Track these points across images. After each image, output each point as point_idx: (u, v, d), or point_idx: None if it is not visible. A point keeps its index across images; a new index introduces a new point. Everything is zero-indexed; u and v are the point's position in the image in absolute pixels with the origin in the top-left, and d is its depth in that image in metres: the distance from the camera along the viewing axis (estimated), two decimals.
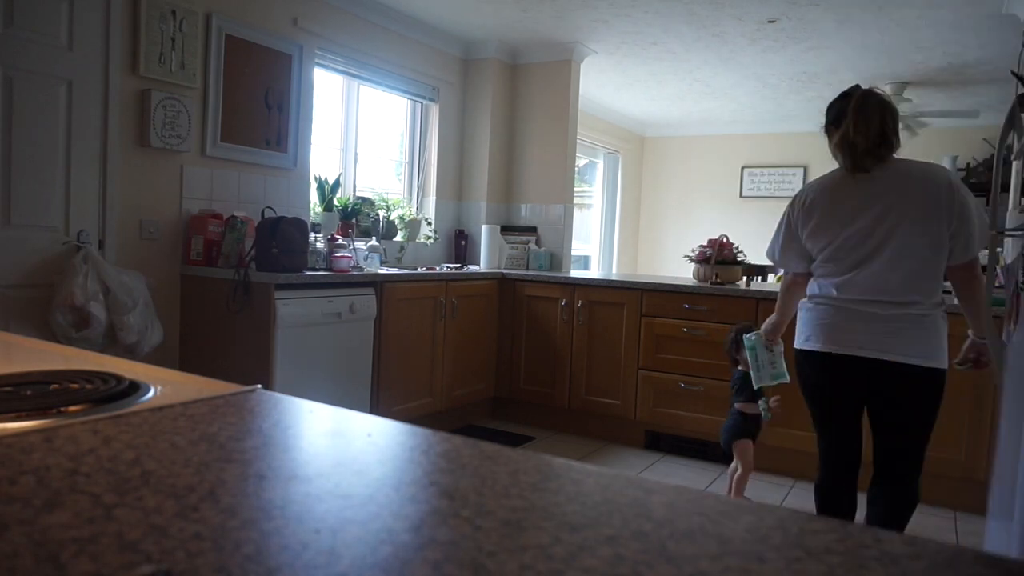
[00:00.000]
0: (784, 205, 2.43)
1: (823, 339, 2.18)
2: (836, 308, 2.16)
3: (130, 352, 2.89)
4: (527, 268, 4.88)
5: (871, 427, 2.23)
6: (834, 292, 2.17)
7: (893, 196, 2.09)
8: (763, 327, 2.61)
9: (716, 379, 3.79)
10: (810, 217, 2.21)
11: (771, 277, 5.76)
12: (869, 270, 2.11)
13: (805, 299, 2.31)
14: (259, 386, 0.90)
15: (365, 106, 4.56)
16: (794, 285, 2.39)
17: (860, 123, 2.07)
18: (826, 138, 2.23)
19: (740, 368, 3.03)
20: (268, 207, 3.37)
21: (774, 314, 2.54)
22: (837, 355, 2.15)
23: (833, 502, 2.28)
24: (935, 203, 2.05)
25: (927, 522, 3.16)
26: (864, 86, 2.18)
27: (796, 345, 2.29)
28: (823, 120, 2.26)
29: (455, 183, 5.10)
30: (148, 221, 3.24)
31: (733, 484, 3.08)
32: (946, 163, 6.52)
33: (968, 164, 6.56)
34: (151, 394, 0.87)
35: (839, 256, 2.15)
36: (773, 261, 2.43)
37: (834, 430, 2.27)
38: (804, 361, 2.26)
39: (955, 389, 3.26)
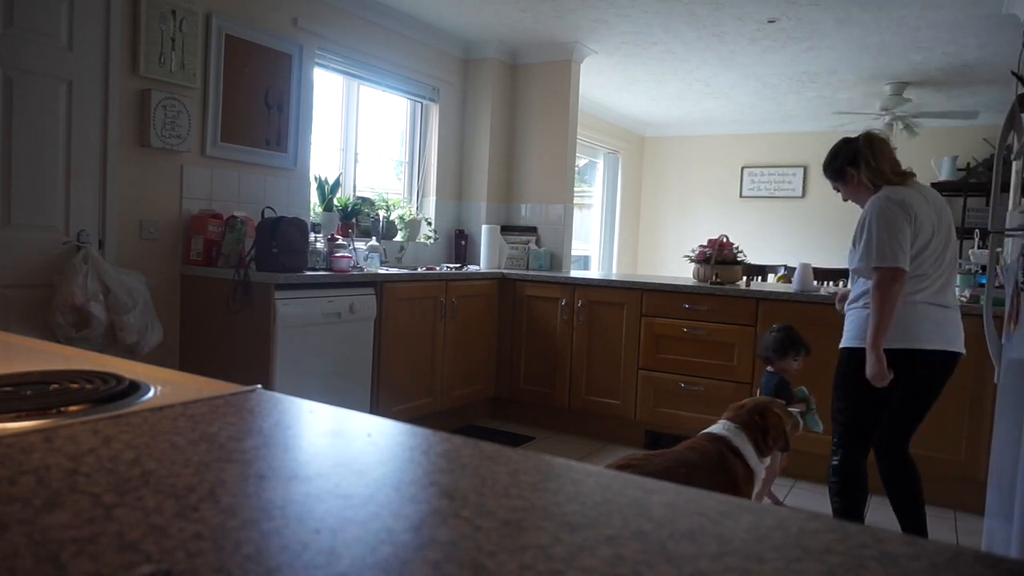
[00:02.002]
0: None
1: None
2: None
3: (130, 352, 2.89)
4: (527, 268, 4.88)
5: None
6: None
7: None
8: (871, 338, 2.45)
9: (716, 379, 3.79)
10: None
11: (771, 277, 5.76)
12: None
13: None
14: (259, 386, 0.90)
15: (365, 106, 4.56)
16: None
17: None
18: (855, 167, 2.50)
19: (769, 369, 3.06)
20: (268, 207, 3.37)
21: (883, 318, 2.37)
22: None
23: (865, 476, 2.51)
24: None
25: (927, 522, 3.16)
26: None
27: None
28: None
29: (455, 183, 5.10)
30: (148, 221, 3.24)
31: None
32: (946, 163, 6.52)
33: (968, 164, 6.55)
34: (151, 394, 0.87)
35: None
36: (897, 263, 2.33)
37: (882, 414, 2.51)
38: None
39: (955, 389, 3.26)
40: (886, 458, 2.58)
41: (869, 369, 2.35)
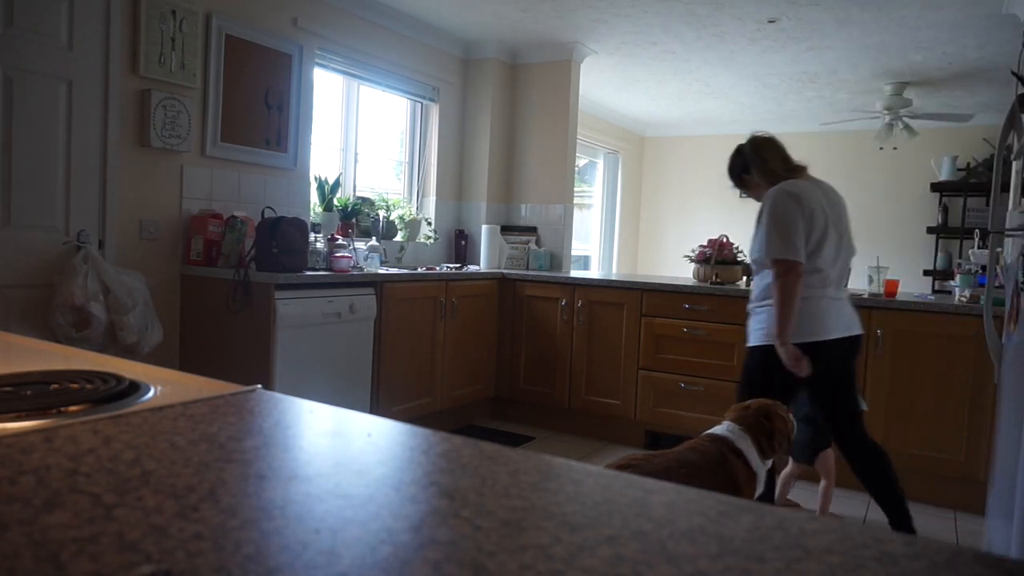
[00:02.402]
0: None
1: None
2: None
3: (130, 352, 2.89)
4: (527, 268, 4.88)
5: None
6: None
7: None
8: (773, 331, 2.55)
9: (716, 379, 3.79)
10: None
11: None
12: None
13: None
14: (259, 386, 0.90)
15: (365, 106, 4.56)
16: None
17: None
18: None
19: None
20: (268, 207, 3.37)
21: (784, 309, 2.48)
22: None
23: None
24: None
25: (927, 522, 3.16)
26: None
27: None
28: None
29: (455, 183, 5.10)
30: (148, 221, 3.24)
31: (820, 498, 3.09)
32: (946, 163, 6.52)
33: (968, 164, 6.55)
34: (151, 394, 0.87)
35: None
36: (790, 256, 2.45)
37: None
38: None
39: (955, 389, 3.26)
40: (849, 449, 2.68)
41: (786, 361, 2.46)
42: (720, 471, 2.22)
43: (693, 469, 2.14)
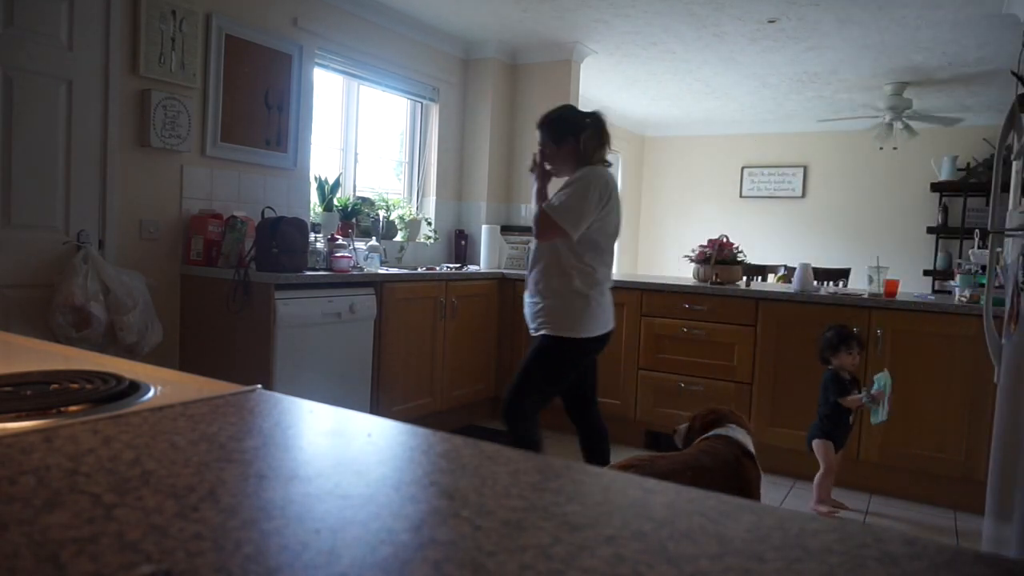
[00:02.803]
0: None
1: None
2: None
3: (130, 352, 2.89)
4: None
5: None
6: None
7: None
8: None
9: (716, 379, 3.79)
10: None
11: (771, 277, 5.76)
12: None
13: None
14: (259, 386, 0.90)
15: (365, 106, 4.56)
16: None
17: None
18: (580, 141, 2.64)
19: (831, 368, 3.14)
20: (268, 207, 3.38)
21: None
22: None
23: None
24: None
25: (927, 522, 3.16)
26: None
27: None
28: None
29: (455, 183, 5.10)
30: (148, 221, 3.24)
31: (814, 486, 3.15)
32: (946, 163, 6.52)
33: (968, 164, 6.55)
34: (151, 394, 0.87)
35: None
36: (575, 225, 2.54)
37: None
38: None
39: (955, 389, 3.26)
40: (584, 426, 2.89)
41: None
42: (734, 475, 2.18)
43: (702, 472, 2.10)
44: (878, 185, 6.94)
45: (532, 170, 2.75)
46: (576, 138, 2.65)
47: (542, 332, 2.66)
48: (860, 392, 3.08)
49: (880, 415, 2.98)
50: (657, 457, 2.23)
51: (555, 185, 2.71)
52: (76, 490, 0.55)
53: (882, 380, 2.99)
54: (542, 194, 2.68)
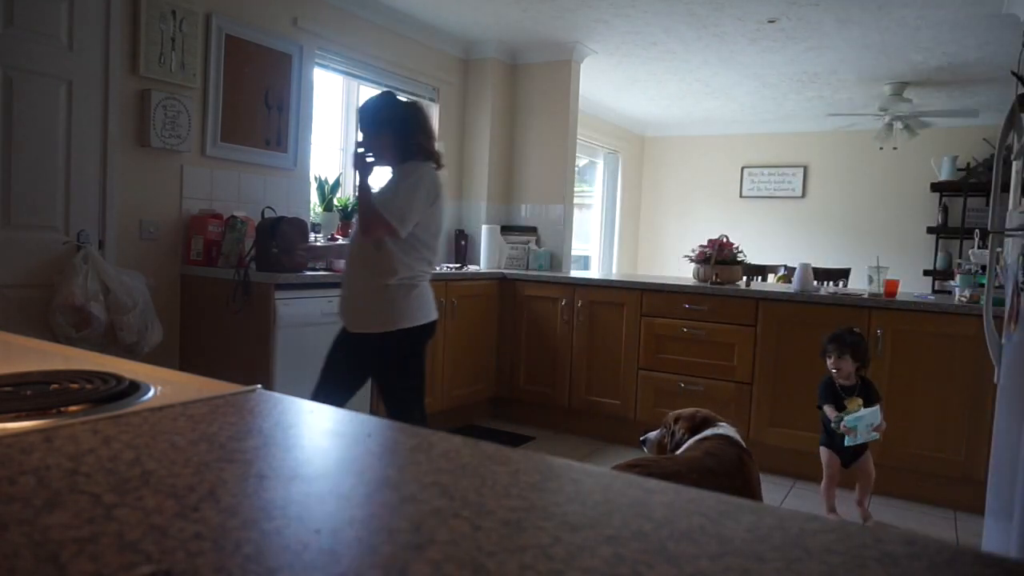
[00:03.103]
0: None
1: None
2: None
3: (130, 352, 2.89)
4: (527, 268, 4.88)
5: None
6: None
7: None
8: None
9: (716, 379, 3.79)
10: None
11: (771, 277, 5.76)
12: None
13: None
14: (259, 386, 0.90)
15: None
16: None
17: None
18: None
19: (832, 369, 3.11)
20: (268, 207, 3.37)
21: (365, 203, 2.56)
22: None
23: None
24: None
25: (927, 522, 3.16)
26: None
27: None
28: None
29: (455, 183, 5.10)
30: (148, 221, 3.24)
31: (822, 492, 3.16)
32: (946, 163, 6.52)
33: (968, 164, 6.55)
34: (151, 394, 0.87)
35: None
36: (403, 222, 2.48)
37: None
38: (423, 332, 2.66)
39: (955, 389, 3.26)
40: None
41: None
42: (738, 475, 2.17)
43: (707, 474, 2.08)
44: (878, 185, 6.94)
45: (355, 166, 2.65)
46: (392, 128, 2.59)
47: (371, 331, 2.58)
48: (843, 410, 2.98)
49: (853, 441, 2.93)
50: (662, 459, 2.23)
51: (384, 180, 2.68)
52: (76, 490, 0.55)
53: (853, 422, 2.90)
54: (364, 187, 2.59)
